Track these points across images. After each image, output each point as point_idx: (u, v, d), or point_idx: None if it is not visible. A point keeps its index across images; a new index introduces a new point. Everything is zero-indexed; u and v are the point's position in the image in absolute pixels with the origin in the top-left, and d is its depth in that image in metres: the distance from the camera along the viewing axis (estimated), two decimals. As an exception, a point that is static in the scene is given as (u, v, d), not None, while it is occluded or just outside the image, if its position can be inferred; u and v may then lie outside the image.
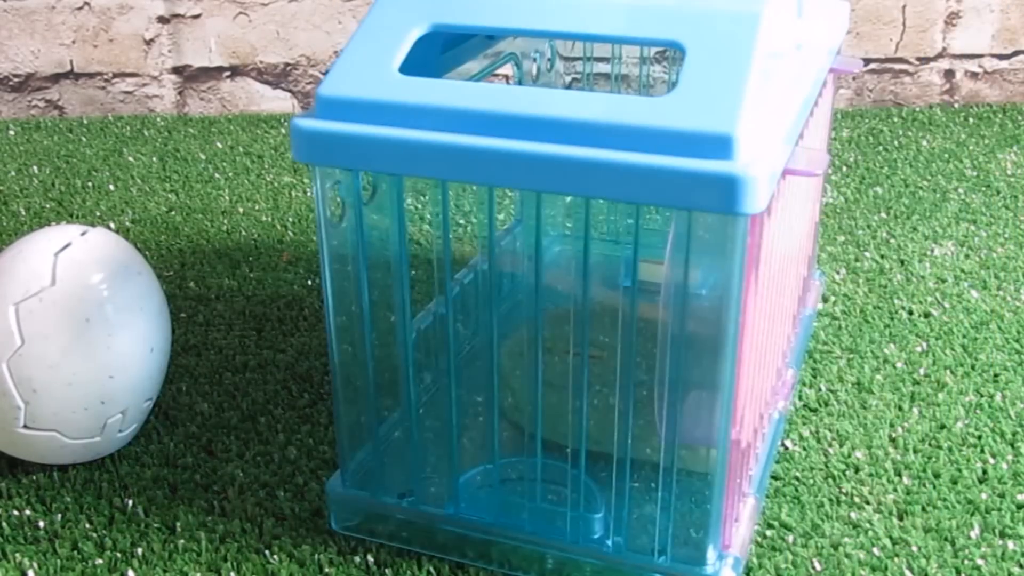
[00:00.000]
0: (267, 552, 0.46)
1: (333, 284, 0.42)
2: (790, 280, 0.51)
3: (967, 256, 0.72)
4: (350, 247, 0.41)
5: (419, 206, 0.80)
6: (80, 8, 1.03)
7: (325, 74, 0.39)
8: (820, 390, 0.57)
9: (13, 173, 0.89)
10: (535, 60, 0.61)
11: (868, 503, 0.48)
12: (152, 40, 1.04)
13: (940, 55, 1.06)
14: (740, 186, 0.34)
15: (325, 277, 0.42)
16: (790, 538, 0.46)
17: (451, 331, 0.42)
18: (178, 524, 0.47)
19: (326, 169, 0.40)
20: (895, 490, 0.49)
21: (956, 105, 1.07)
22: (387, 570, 0.45)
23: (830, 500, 0.48)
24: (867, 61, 1.06)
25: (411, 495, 0.45)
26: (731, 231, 0.35)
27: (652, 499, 0.42)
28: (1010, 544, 0.46)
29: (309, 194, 0.85)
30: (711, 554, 0.41)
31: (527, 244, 0.39)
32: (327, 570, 0.45)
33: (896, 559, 0.45)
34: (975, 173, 0.87)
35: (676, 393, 0.39)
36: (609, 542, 0.43)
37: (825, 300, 0.66)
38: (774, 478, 0.50)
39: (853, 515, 0.47)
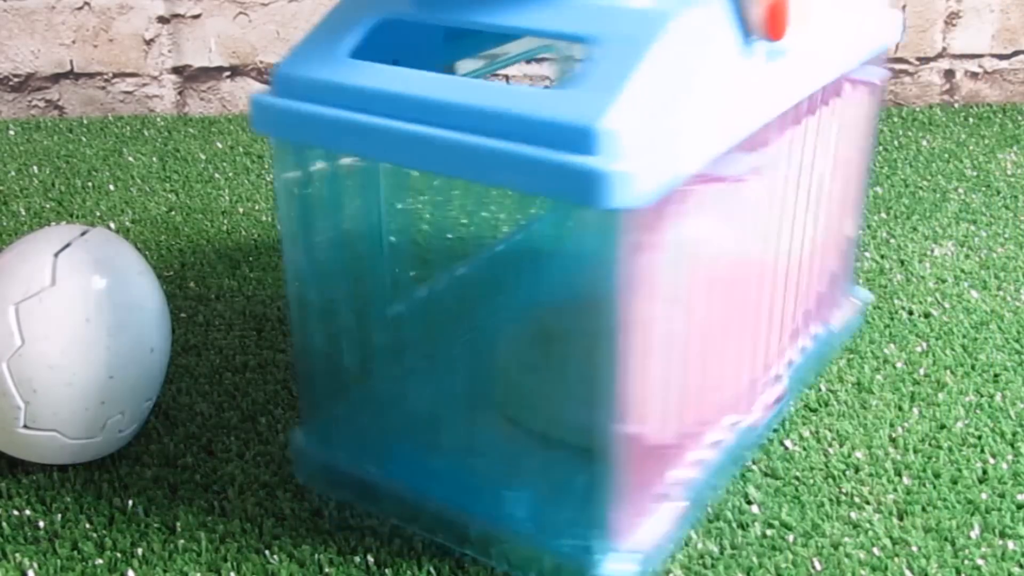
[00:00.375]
0: (267, 552, 0.46)
1: (286, 256, 0.46)
2: (768, 290, 0.49)
3: (967, 256, 0.72)
4: (297, 220, 0.45)
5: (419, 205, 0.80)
6: (80, 8, 1.03)
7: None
8: (820, 390, 0.57)
9: (13, 173, 0.89)
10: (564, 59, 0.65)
11: (868, 503, 0.48)
12: (152, 40, 1.04)
13: (940, 55, 1.06)
14: (600, 180, 0.34)
15: (284, 247, 0.46)
16: (790, 538, 0.46)
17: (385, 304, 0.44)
18: (178, 524, 0.47)
19: (280, 141, 0.44)
20: (895, 490, 0.49)
21: (956, 105, 1.07)
22: (387, 570, 0.45)
23: (830, 500, 0.48)
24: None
25: (362, 456, 0.47)
26: (607, 224, 0.36)
27: (565, 481, 0.43)
28: (1010, 544, 0.46)
29: (309, 194, 0.85)
30: (603, 544, 0.41)
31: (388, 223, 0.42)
32: (327, 570, 0.45)
33: (896, 559, 0.45)
34: (975, 173, 0.87)
35: (561, 382, 0.40)
36: (525, 519, 0.44)
37: (825, 300, 0.66)
38: (774, 478, 0.50)
39: (853, 515, 0.47)
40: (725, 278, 0.44)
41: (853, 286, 0.63)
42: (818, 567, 0.45)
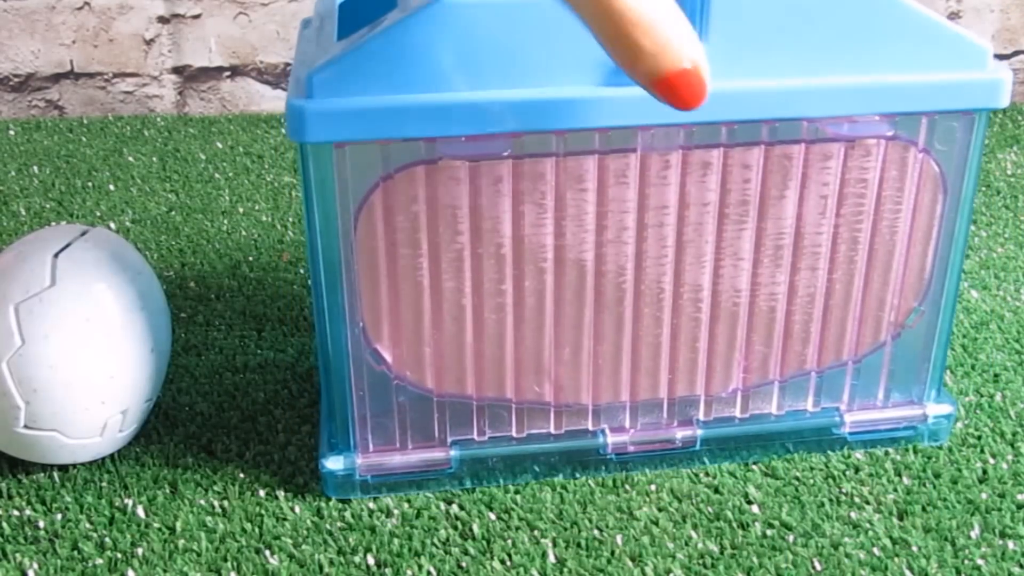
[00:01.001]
0: (267, 552, 0.46)
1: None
2: (645, 310, 0.47)
3: (967, 256, 0.72)
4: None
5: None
6: (80, 8, 1.03)
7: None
8: (820, 390, 0.57)
9: (13, 173, 0.89)
10: None
11: (868, 503, 0.48)
12: (152, 40, 1.04)
13: (940, 55, 1.06)
14: (297, 117, 0.40)
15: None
16: (790, 538, 0.46)
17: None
18: (178, 524, 0.47)
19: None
20: (895, 490, 0.49)
21: (956, 105, 1.07)
22: (387, 570, 0.45)
23: (830, 500, 0.48)
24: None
25: None
26: (324, 156, 0.42)
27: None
28: (1010, 544, 0.46)
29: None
30: (342, 444, 0.48)
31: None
32: (327, 570, 0.45)
33: (896, 559, 0.45)
34: (975, 173, 0.87)
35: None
36: None
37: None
38: (774, 478, 0.50)
39: (853, 515, 0.47)
40: (536, 265, 0.45)
41: (929, 390, 0.52)
42: (818, 567, 0.45)
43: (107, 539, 0.46)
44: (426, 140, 0.42)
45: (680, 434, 0.50)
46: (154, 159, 0.93)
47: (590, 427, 0.49)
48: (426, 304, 0.45)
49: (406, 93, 0.41)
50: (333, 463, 0.48)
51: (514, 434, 0.49)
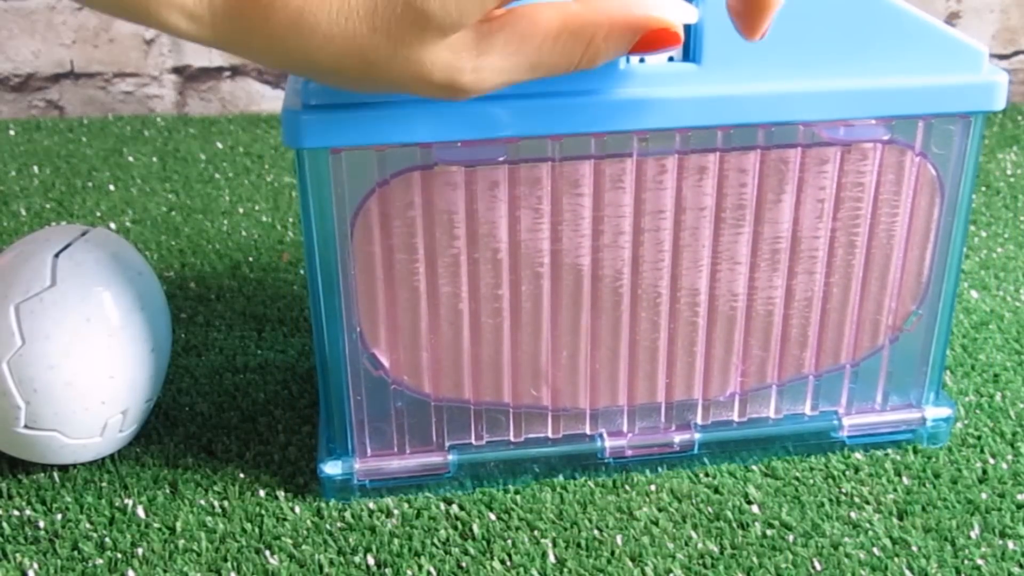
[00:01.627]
0: (267, 552, 0.46)
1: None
2: (641, 315, 0.47)
3: (967, 256, 0.72)
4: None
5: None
6: (80, 8, 1.03)
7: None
8: (820, 390, 0.57)
9: (13, 173, 0.89)
10: None
11: (868, 503, 0.48)
12: (152, 40, 1.04)
13: (940, 55, 1.06)
14: (291, 122, 0.42)
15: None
16: (790, 538, 0.46)
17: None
18: (178, 524, 0.47)
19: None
20: (895, 490, 0.49)
21: (956, 105, 1.07)
22: (387, 570, 0.45)
23: (830, 500, 0.48)
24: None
25: None
26: (320, 161, 0.43)
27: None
28: (1010, 544, 0.46)
29: (309, 194, 0.85)
30: (340, 449, 0.49)
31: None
32: (327, 570, 0.45)
33: (896, 559, 0.45)
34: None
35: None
36: None
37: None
38: (774, 478, 0.50)
39: (853, 515, 0.47)
40: (533, 270, 0.45)
41: (928, 393, 0.52)
42: (818, 567, 0.45)
43: (107, 539, 0.46)
44: (422, 145, 0.42)
45: (678, 438, 0.50)
46: (154, 159, 0.93)
47: (588, 431, 0.49)
48: (423, 309, 0.45)
49: (401, 98, 0.41)
50: (331, 468, 0.48)
51: (512, 438, 0.49)
